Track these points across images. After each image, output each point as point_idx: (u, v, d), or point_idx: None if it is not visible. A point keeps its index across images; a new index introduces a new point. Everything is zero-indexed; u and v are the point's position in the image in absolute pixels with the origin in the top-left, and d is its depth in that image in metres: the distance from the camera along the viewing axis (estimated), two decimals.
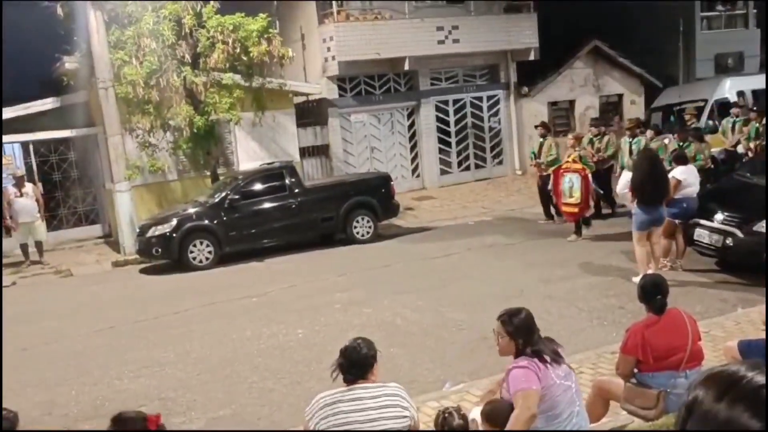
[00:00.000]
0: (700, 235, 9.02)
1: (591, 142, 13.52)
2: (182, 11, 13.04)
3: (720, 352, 5.35)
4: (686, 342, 4.42)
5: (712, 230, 8.83)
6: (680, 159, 9.57)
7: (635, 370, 4.56)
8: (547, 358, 3.88)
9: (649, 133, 12.88)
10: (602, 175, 13.27)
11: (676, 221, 9.20)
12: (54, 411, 6.27)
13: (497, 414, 3.83)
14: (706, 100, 17.95)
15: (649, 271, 7.96)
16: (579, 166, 11.37)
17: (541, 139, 13.42)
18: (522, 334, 3.98)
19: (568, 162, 11.60)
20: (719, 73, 21.30)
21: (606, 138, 13.41)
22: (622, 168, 12.50)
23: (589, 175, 11.36)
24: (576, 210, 11.44)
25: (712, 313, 7.26)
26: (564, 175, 11.55)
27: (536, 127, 14.10)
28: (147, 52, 12.86)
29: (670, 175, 9.14)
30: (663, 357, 4.41)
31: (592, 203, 11.57)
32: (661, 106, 19.55)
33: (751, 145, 12.92)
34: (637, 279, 8.05)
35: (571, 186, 11.36)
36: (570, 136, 12.60)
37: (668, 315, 4.54)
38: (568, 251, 10.85)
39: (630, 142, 12.36)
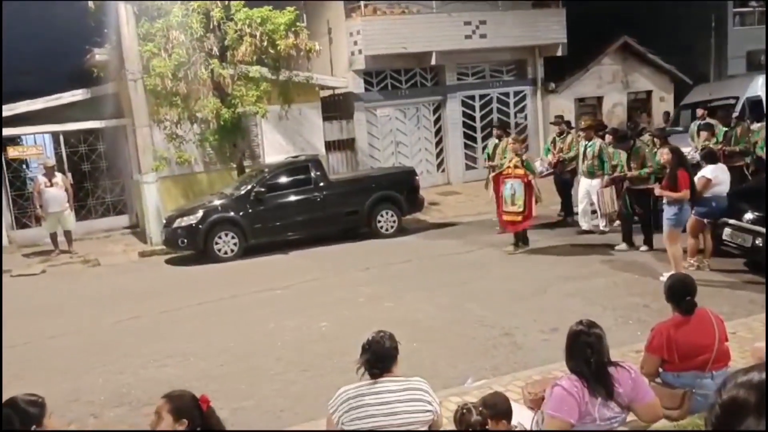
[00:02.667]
0: (729, 234, 8.88)
1: (554, 141, 13.04)
2: (211, 4, 13.14)
3: (747, 354, 5.28)
4: (713, 342, 4.37)
5: (741, 230, 8.70)
6: (710, 157, 9.41)
7: (660, 370, 4.51)
8: (595, 390, 3.53)
9: (607, 137, 11.76)
10: (564, 179, 12.73)
11: (705, 220, 9.07)
12: (81, 398, 6.37)
13: (494, 402, 3.80)
14: (737, 98, 17.67)
15: (673, 272, 7.87)
16: (521, 171, 10.50)
17: (496, 141, 12.69)
18: (568, 348, 3.69)
19: (509, 167, 10.71)
20: (751, 70, 20.98)
21: (569, 138, 12.72)
22: (581, 173, 11.82)
23: (534, 182, 10.53)
24: (519, 219, 10.61)
25: (740, 314, 7.15)
26: (505, 182, 10.67)
27: (493, 127, 13.26)
28: (175, 45, 12.97)
29: (699, 174, 9.00)
30: (689, 357, 4.36)
31: (535, 213, 10.64)
32: (691, 103, 19.29)
33: (715, 148, 11.82)
34: (664, 277, 7.99)
35: (513, 193, 10.53)
36: (510, 138, 11.68)
37: (695, 315, 4.49)
38: (591, 249, 10.75)
39: (585, 146, 11.55)
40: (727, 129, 12.14)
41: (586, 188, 11.62)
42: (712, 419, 1.12)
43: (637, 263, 9.70)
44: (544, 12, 18.94)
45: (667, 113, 20.20)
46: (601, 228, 11.69)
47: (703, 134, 12.39)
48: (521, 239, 10.91)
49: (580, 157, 11.71)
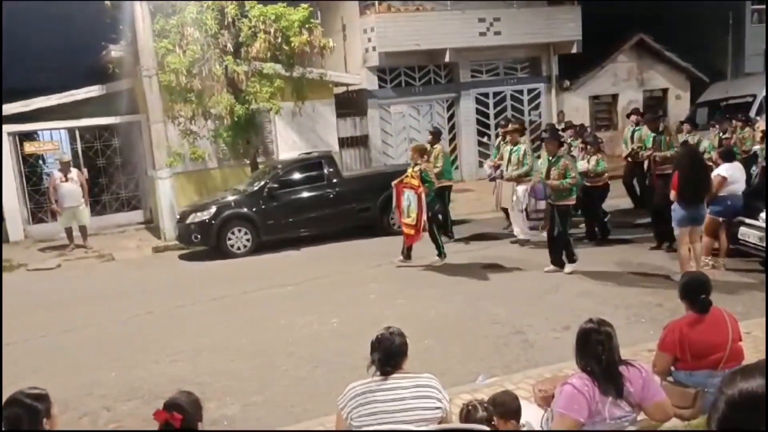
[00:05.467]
0: (745, 233, 8.80)
1: (498, 146, 12.46)
2: (225, 1, 13.19)
3: (761, 353, 5.22)
4: (726, 341, 4.33)
5: (757, 229, 8.62)
6: (726, 156, 9.34)
7: (672, 368, 4.48)
8: (606, 389, 3.50)
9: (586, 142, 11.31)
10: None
11: (720, 219, 9.00)
12: (94, 391, 6.41)
13: (503, 401, 3.77)
14: (754, 96, 17.51)
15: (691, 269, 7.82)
16: (416, 183, 9.87)
17: (428, 146, 11.80)
18: (578, 347, 3.64)
19: (407, 177, 10.12)
20: None
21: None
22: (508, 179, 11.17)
23: (423, 195, 9.81)
24: (412, 232, 10.04)
25: (754, 313, 7.08)
26: (403, 192, 10.13)
27: (430, 133, 12.65)
28: (190, 41, 13.04)
29: (714, 172, 8.95)
30: (702, 355, 4.33)
31: (425, 226, 9.93)
32: (707, 101, 19.12)
33: (645, 154, 10.67)
34: (676, 277, 7.94)
35: (408, 204, 10.00)
36: (410, 147, 10.93)
37: (709, 313, 4.45)
38: (604, 248, 10.69)
39: (510, 150, 11.06)
40: (655, 135, 10.88)
41: (511, 195, 11.08)
42: (717, 417, 1.11)
43: (651, 262, 9.64)
44: (559, 9, 18.87)
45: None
46: (528, 236, 11.07)
47: (637, 137, 11.93)
48: (439, 250, 10.32)
49: (505, 162, 11.23)
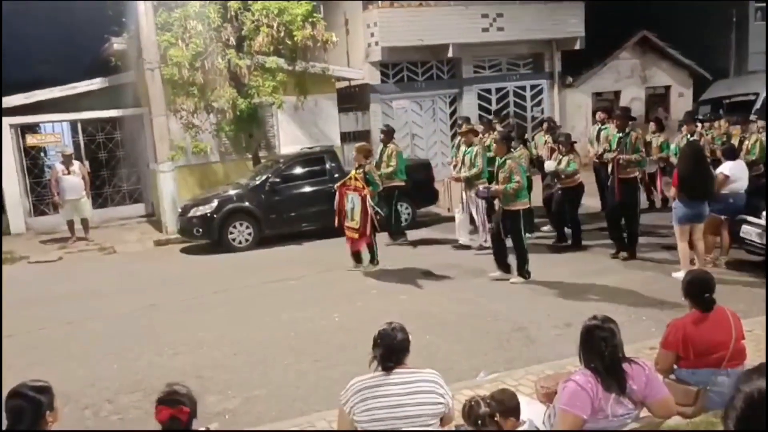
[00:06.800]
0: (747, 232, 8.80)
1: (458, 145, 11.81)
2: None
3: (763, 352, 5.22)
4: (729, 340, 4.33)
5: (759, 227, 8.61)
6: (729, 154, 9.34)
7: (675, 366, 4.48)
8: (609, 386, 3.49)
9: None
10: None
11: (722, 217, 9.00)
12: (96, 384, 6.42)
13: (501, 399, 3.75)
14: (757, 94, 17.48)
15: (682, 269, 7.83)
16: (360, 185, 9.54)
17: (381, 146, 11.69)
18: (582, 343, 3.64)
19: (350, 179, 9.77)
20: None
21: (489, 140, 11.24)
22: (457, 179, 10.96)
23: (369, 198, 9.45)
24: (356, 236, 9.69)
25: (756, 311, 7.07)
26: (347, 194, 9.73)
27: (382, 132, 12.12)
28: (193, 35, 13.04)
29: (717, 171, 8.95)
30: (704, 354, 4.33)
31: (370, 230, 9.61)
32: (710, 99, 19.10)
33: (609, 156, 9.79)
34: (677, 274, 7.96)
35: (352, 207, 9.60)
36: (354, 147, 10.73)
37: (713, 312, 4.45)
38: (605, 245, 10.67)
39: (464, 152, 10.75)
40: (621, 135, 9.81)
41: (463, 198, 10.86)
42: (735, 413, 1.11)
43: (653, 260, 9.64)
44: (562, 5, 18.81)
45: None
46: (479, 243, 10.80)
47: (604, 136, 11.47)
48: (372, 255, 10.03)
49: (458, 164, 10.96)
